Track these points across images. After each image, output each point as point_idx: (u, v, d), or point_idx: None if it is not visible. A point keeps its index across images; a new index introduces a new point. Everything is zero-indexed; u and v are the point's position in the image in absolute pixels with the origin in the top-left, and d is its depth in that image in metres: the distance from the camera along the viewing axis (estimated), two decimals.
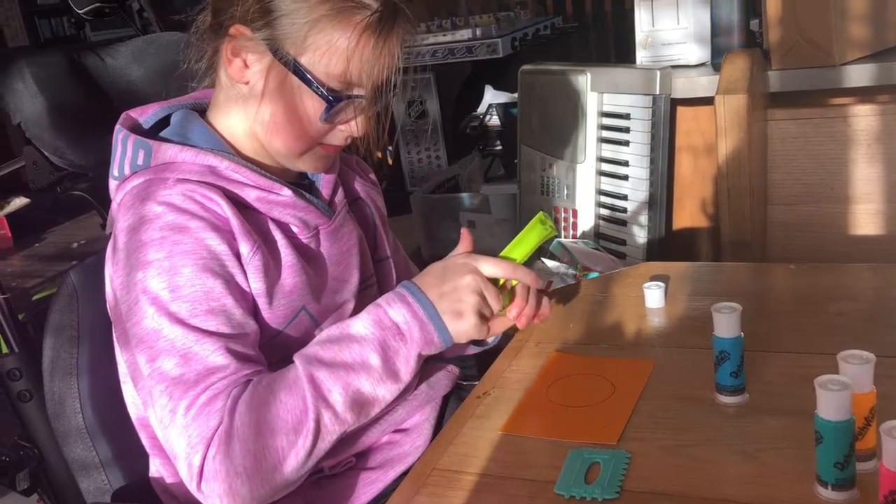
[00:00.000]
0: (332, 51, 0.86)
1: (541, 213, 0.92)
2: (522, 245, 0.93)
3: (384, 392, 0.85)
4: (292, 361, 0.85)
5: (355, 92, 0.89)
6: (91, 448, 1.00)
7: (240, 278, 0.87)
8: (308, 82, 0.87)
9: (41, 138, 1.10)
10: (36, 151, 1.13)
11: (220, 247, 0.85)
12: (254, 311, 0.89)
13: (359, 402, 0.84)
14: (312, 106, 0.88)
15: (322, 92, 0.87)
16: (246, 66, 0.89)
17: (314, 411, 0.81)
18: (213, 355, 0.82)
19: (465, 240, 0.93)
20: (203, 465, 0.78)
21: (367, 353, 0.84)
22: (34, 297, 1.12)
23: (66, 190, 1.29)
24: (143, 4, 2.03)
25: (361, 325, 0.86)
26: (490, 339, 1.07)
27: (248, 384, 0.82)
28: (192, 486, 0.79)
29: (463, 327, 0.88)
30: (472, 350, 1.08)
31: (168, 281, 0.83)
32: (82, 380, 1.01)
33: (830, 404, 0.65)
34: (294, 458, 0.80)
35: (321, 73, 0.87)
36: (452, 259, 0.91)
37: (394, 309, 0.86)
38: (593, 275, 1.54)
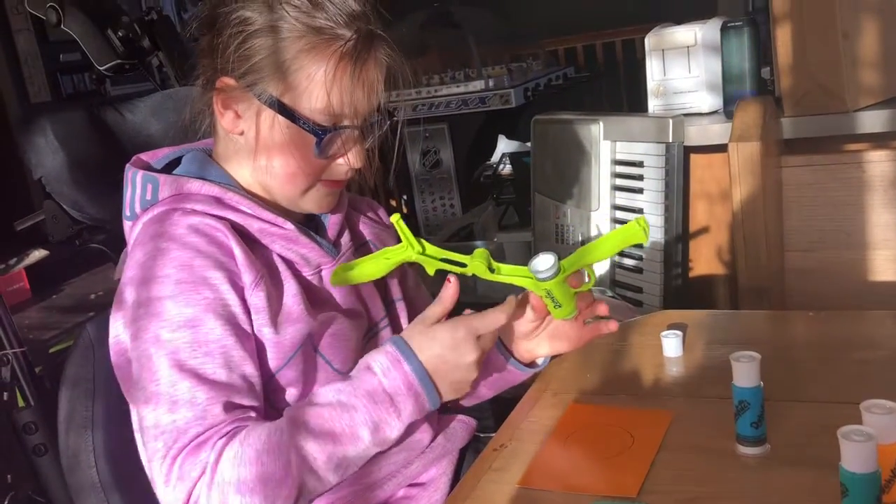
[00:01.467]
0: (313, 85, 0.88)
1: (641, 218, 0.90)
2: (608, 242, 0.89)
3: (370, 454, 0.86)
4: (299, 393, 0.87)
5: (343, 123, 0.90)
6: (105, 503, 1.00)
7: (241, 318, 0.87)
8: (294, 120, 0.89)
9: (61, 193, 1.12)
10: (56, 205, 1.15)
11: (223, 286, 0.86)
12: (256, 350, 0.88)
13: (343, 465, 0.83)
14: (305, 143, 0.90)
15: (309, 127, 0.89)
16: (238, 116, 0.91)
17: (298, 479, 0.80)
18: (204, 404, 0.81)
19: (450, 291, 0.88)
20: None
21: (358, 427, 0.82)
22: (51, 350, 1.12)
23: (84, 243, 1.31)
24: (162, 60, 2.07)
25: (355, 394, 0.83)
26: (540, 361, 1.05)
27: (234, 436, 0.81)
28: None
29: (460, 394, 0.88)
30: (524, 375, 1.06)
31: (169, 322, 0.84)
32: (97, 433, 1.00)
33: (855, 456, 0.64)
34: None
35: (306, 109, 0.89)
36: (455, 334, 0.85)
37: (389, 379, 0.84)
38: None
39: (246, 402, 0.85)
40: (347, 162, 0.93)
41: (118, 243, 0.98)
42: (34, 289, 4.45)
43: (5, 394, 1.05)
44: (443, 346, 0.84)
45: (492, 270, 0.89)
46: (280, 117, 0.89)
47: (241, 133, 0.92)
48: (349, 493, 0.93)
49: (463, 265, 0.89)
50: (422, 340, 0.85)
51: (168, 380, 0.82)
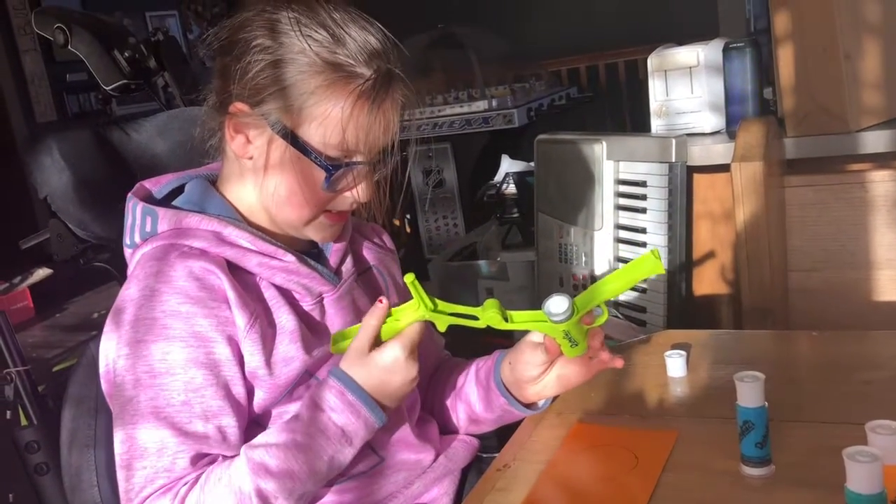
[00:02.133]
0: (328, 121, 0.88)
1: (655, 249, 0.89)
2: (623, 276, 0.88)
3: (327, 480, 0.89)
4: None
5: (354, 159, 0.90)
6: None
7: (226, 366, 0.87)
8: (306, 153, 0.89)
9: (66, 211, 1.12)
10: (61, 224, 1.15)
11: (210, 333, 0.87)
12: (244, 395, 0.89)
13: (304, 497, 0.86)
14: (314, 175, 0.90)
15: (320, 161, 0.89)
16: (248, 141, 0.91)
17: None
18: (175, 456, 0.83)
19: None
20: None
21: (315, 463, 0.85)
22: (55, 369, 1.12)
23: (88, 261, 1.31)
24: (167, 80, 2.08)
25: (309, 433, 0.85)
26: (541, 403, 1.02)
27: (197, 481, 0.83)
28: None
29: (405, 401, 0.93)
30: (525, 414, 1.04)
31: (151, 367, 0.85)
32: (99, 452, 1.00)
33: (860, 476, 0.64)
34: None
35: (318, 143, 0.89)
36: (396, 356, 0.86)
37: (338, 413, 0.86)
38: (613, 343, 1.53)
39: (216, 451, 0.86)
40: (354, 196, 0.93)
41: (122, 262, 0.98)
42: (38, 307, 4.45)
43: (8, 412, 1.05)
44: (385, 370, 0.87)
45: (506, 320, 0.88)
46: (291, 148, 0.89)
47: (251, 158, 0.92)
48: None
49: (475, 318, 0.88)
50: (361, 371, 0.87)
51: (143, 425, 0.84)
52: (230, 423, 0.87)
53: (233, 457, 0.86)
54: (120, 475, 0.86)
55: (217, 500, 0.81)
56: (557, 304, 0.86)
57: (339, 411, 0.86)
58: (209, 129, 0.96)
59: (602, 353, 0.95)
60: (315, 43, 0.87)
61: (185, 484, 0.83)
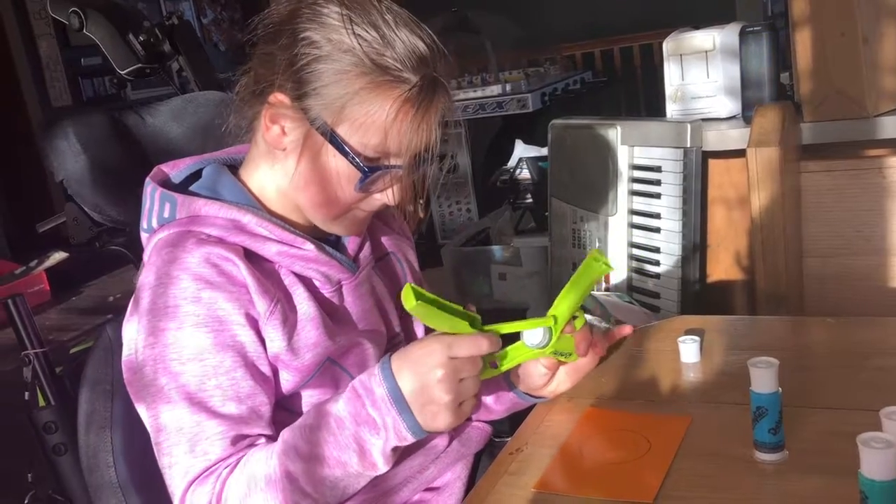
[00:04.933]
0: (370, 122, 0.86)
1: (595, 250, 0.90)
2: (579, 284, 0.90)
3: (364, 478, 0.85)
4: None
5: (392, 162, 0.89)
6: (123, 503, 1.01)
7: (252, 348, 0.87)
8: (344, 152, 0.87)
9: (82, 195, 1.12)
10: (77, 208, 1.16)
11: (233, 316, 0.86)
12: (270, 376, 0.89)
13: (339, 487, 0.84)
14: (347, 175, 0.89)
15: (357, 162, 0.88)
16: (284, 133, 0.90)
17: (292, 501, 0.82)
18: (214, 438, 0.84)
19: None
20: None
21: (344, 450, 0.82)
22: (71, 351, 1.13)
23: (104, 245, 1.32)
24: (182, 65, 2.08)
25: (339, 417, 0.83)
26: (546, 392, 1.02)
27: (237, 463, 0.84)
28: None
29: (438, 426, 0.82)
30: (537, 402, 1.04)
31: (179, 354, 0.85)
32: (116, 434, 1.01)
33: (875, 463, 0.64)
34: None
35: (357, 144, 0.87)
36: (424, 349, 0.82)
37: (370, 402, 0.82)
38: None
39: (255, 431, 0.86)
40: (387, 198, 0.92)
41: (137, 246, 0.99)
42: (54, 290, 4.49)
43: (26, 393, 1.06)
44: (413, 359, 0.82)
45: (494, 366, 0.89)
46: (328, 146, 0.88)
47: (284, 149, 0.91)
48: (365, 498, 0.94)
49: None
50: (406, 365, 0.82)
51: (179, 412, 0.84)
52: (264, 402, 0.87)
53: (272, 436, 0.87)
54: (163, 463, 0.86)
55: (252, 481, 0.82)
56: (532, 335, 0.90)
57: (371, 402, 0.82)
58: (244, 115, 0.95)
59: (594, 348, 0.97)
60: (364, 43, 0.85)
61: (227, 466, 0.83)
